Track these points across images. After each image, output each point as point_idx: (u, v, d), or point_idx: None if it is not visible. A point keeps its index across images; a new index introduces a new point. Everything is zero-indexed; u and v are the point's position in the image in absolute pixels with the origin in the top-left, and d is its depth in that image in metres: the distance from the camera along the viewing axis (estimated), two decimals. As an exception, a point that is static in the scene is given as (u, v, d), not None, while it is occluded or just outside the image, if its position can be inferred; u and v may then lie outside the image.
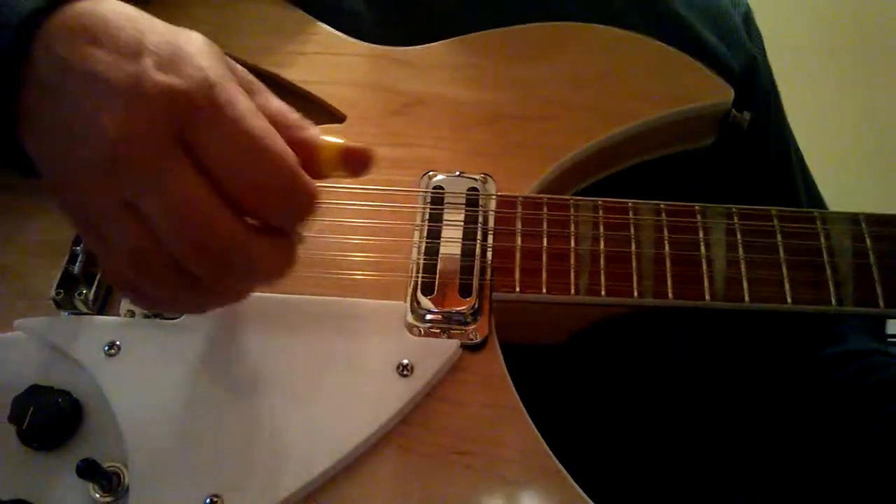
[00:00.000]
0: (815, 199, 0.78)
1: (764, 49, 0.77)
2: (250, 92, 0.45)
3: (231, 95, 0.42)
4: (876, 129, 1.69)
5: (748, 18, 0.79)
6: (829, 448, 0.68)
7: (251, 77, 0.47)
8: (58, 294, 0.54)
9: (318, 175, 0.46)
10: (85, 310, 0.54)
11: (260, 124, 0.42)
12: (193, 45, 0.43)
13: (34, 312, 0.54)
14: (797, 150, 0.80)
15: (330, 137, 0.46)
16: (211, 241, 0.40)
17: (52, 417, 0.49)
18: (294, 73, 0.65)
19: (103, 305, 0.55)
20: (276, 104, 0.46)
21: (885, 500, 0.64)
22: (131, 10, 0.45)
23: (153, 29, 0.43)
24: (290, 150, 0.43)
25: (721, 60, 0.71)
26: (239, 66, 0.46)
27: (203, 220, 0.40)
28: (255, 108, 0.42)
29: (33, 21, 0.43)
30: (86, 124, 0.40)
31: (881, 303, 0.53)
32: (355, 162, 0.46)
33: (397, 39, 0.66)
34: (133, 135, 0.40)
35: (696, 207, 0.57)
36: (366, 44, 0.66)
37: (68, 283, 0.54)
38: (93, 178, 0.40)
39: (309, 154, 0.45)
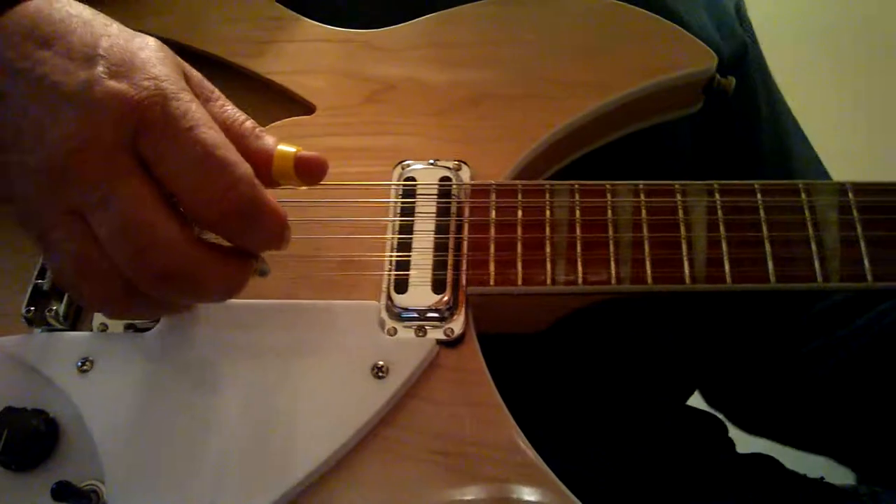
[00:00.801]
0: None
1: (756, 39, 0.75)
2: (205, 99, 0.44)
3: (184, 106, 0.41)
4: (873, 126, 1.65)
5: (740, 10, 0.77)
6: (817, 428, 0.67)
7: (206, 83, 0.46)
8: (28, 311, 0.53)
9: (272, 184, 0.45)
10: (57, 326, 0.54)
11: (213, 136, 0.41)
12: (147, 50, 0.42)
13: (6, 331, 0.54)
14: (805, 143, 0.78)
15: (284, 146, 0.45)
16: (152, 253, 0.40)
17: (28, 439, 0.49)
18: (262, 65, 0.63)
19: (76, 320, 0.54)
20: (231, 112, 0.45)
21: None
22: (86, 12, 0.44)
23: (107, 32, 0.43)
24: (244, 162, 0.42)
25: (710, 43, 0.69)
26: (195, 72, 0.45)
27: (146, 232, 0.40)
28: (209, 119, 0.42)
29: None
30: (35, 132, 0.40)
31: (869, 276, 0.51)
32: (309, 171, 0.45)
33: (370, 18, 0.64)
34: (82, 145, 0.39)
35: (676, 186, 0.55)
36: (333, 28, 0.64)
37: (39, 299, 0.54)
38: (40, 187, 0.40)
39: (263, 164, 0.44)
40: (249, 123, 0.45)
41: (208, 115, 0.42)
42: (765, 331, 0.72)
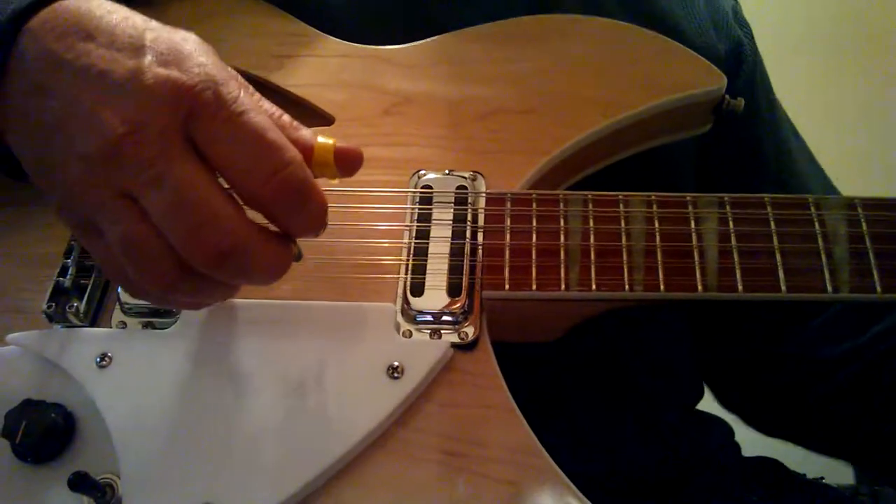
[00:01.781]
0: (828, 186, 0.77)
1: (753, 39, 0.76)
2: (248, 93, 0.45)
3: (235, 91, 0.42)
4: (871, 125, 1.67)
5: (737, 12, 0.78)
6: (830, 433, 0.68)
7: (242, 79, 0.47)
8: (49, 307, 0.54)
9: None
10: (77, 322, 0.54)
11: (264, 120, 0.42)
12: (191, 42, 0.44)
13: (27, 326, 0.54)
14: (797, 136, 0.79)
15: (322, 138, 0.46)
16: (209, 229, 0.40)
17: (45, 431, 0.49)
18: (281, 77, 0.65)
19: (95, 317, 0.55)
20: (269, 106, 0.46)
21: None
22: (122, 8, 0.45)
23: (149, 27, 0.44)
24: (293, 146, 0.43)
25: (707, 44, 0.70)
26: (231, 68, 0.46)
27: (202, 209, 0.40)
28: (257, 105, 0.43)
29: (20, 17, 0.43)
30: (85, 119, 0.40)
31: (878, 288, 0.52)
32: (347, 162, 0.46)
33: (381, 38, 0.66)
34: (137, 127, 0.40)
35: (688, 197, 0.56)
36: (352, 44, 0.66)
37: (59, 296, 0.55)
38: (89, 171, 0.40)
39: (304, 154, 0.45)
40: (287, 117, 0.46)
41: (256, 102, 0.43)
42: (774, 334, 0.72)
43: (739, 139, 0.73)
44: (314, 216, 0.44)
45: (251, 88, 0.45)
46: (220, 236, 0.41)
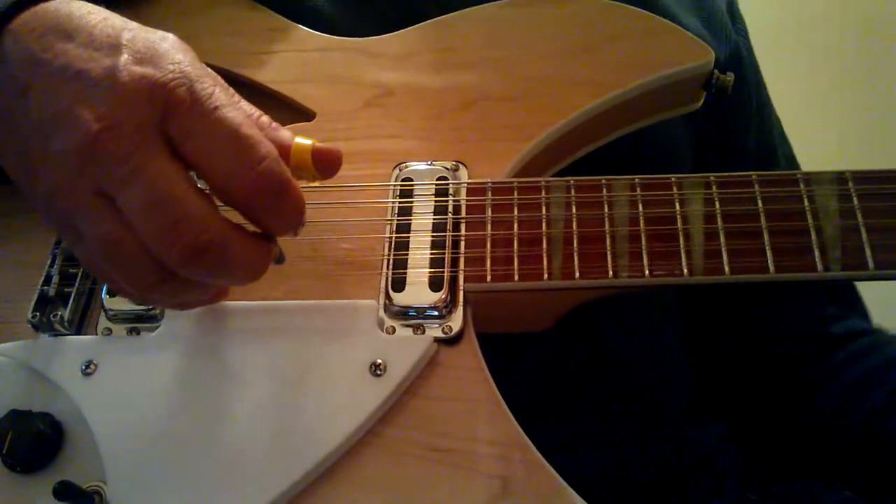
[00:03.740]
0: None
1: (749, 40, 0.75)
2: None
3: (210, 88, 0.42)
4: (870, 123, 1.64)
5: (732, 9, 0.77)
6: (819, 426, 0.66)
7: (220, 79, 0.46)
8: (34, 316, 0.54)
9: None
10: (63, 330, 0.54)
11: (239, 115, 0.42)
12: (169, 41, 0.44)
13: (12, 336, 0.55)
14: (784, 139, 0.77)
15: (300, 139, 0.46)
16: (183, 226, 0.40)
17: (32, 441, 0.50)
18: (261, 74, 0.64)
19: (81, 324, 0.55)
20: (247, 106, 0.46)
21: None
22: (102, 10, 0.45)
23: (127, 26, 0.44)
24: (269, 142, 0.42)
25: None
26: (211, 70, 0.46)
27: (176, 206, 0.40)
28: (232, 101, 0.43)
29: (3, 19, 0.43)
30: (62, 117, 0.41)
31: (870, 264, 0.50)
32: (325, 163, 0.46)
33: (363, 33, 0.65)
34: (112, 124, 0.40)
35: (672, 179, 0.54)
36: (331, 37, 0.65)
37: (44, 305, 0.55)
38: (66, 170, 0.41)
39: (281, 155, 0.44)
40: (265, 118, 0.46)
41: (232, 98, 0.43)
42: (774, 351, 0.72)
43: (729, 137, 0.72)
44: (291, 213, 0.43)
45: (230, 90, 0.45)
46: (193, 234, 0.40)
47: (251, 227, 0.44)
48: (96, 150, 0.40)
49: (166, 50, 0.43)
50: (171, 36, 0.45)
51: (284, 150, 0.45)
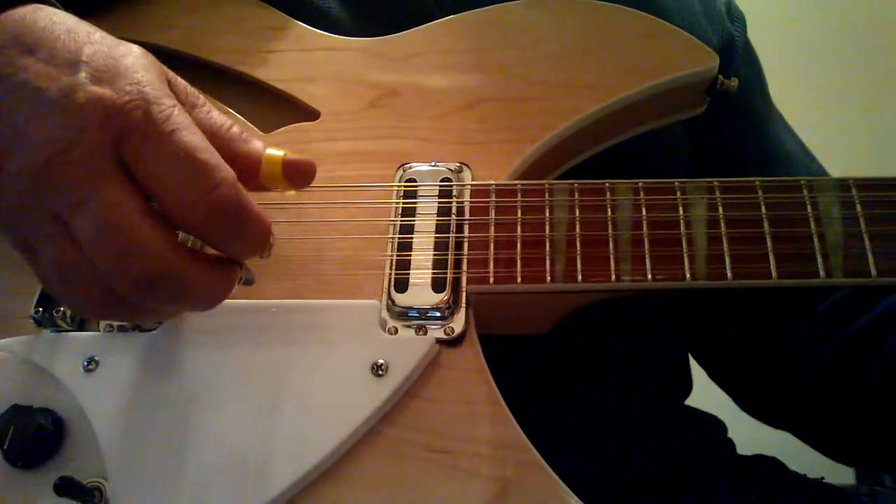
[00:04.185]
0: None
1: (745, 34, 0.75)
2: (191, 106, 0.44)
3: (166, 110, 0.41)
4: (869, 122, 1.64)
5: (730, 6, 0.76)
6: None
7: (192, 90, 0.46)
8: (37, 312, 0.54)
9: (260, 188, 0.45)
10: (65, 326, 0.54)
11: (195, 139, 0.41)
12: (131, 57, 0.43)
13: (15, 332, 0.54)
14: (790, 133, 0.77)
15: (271, 150, 0.45)
16: (132, 257, 0.39)
17: (33, 436, 0.50)
18: (266, 73, 0.64)
19: (83, 321, 0.55)
20: (217, 118, 0.45)
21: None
22: (70, 20, 0.44)
23: (90, 40, 0.43)
24: (227, 167, 0.41)
25: (702, 36, 0.69)
26: (180, 80, 0.45)
27: (126, 235, 0.39)
28: (191, 123, 0.42)
29: None
30: (18, 137, 0.40)
31: (873, 271, 0.50)
32: (296, 174, 0.45)
33: (369, 34, 0.65)
34: (65, 147, 0.39)
35: (676, 183, 0.54)
36: (337, 37, 0.65)
37: (47, 301, 0.55)
38: (23, 191, 0.40)
39: (251, 167, 0.44)
40: (236, 129, 0.45)
41: (191, 120, 0.42)
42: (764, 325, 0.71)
43: (727, 135, 0.72)
44: (252, 239, 0.42)
45: (200, 100, 0.44)
46: (145, 263, 0.40)
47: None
48: (49, 175, 0.39)
49: (126, 67, 0.41)
50: (136, 49, 0.44)
51: (254, 162, 0.44)
